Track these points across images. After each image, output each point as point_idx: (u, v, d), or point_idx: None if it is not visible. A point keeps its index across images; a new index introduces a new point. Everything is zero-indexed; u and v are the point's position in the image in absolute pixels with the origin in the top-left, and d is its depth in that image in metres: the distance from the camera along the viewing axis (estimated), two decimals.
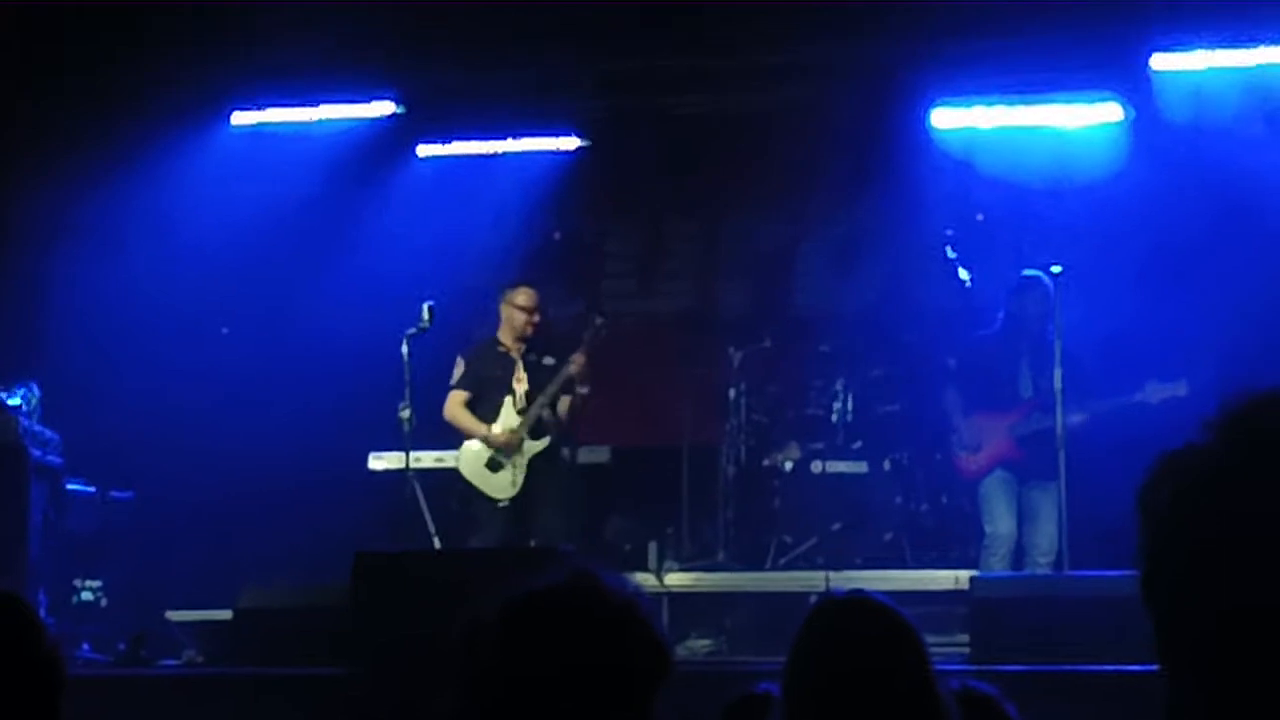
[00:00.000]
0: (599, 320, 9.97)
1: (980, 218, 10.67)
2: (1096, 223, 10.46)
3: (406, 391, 9.46)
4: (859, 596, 3.32)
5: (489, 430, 9.71)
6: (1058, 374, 8.84)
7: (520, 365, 9.82)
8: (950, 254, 10.29)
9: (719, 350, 10.94)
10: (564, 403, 9.83)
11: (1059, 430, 8.80)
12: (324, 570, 9.04)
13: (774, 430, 10.76)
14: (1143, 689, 6.08)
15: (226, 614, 8.69)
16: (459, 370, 9.92)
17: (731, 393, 10.73)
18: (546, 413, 9.77)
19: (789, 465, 10.49)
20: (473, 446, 9.77)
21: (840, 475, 10.39)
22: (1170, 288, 10.06)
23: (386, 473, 10.42)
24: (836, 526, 10.22)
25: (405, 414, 9.48)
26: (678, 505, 10.90)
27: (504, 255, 11.71)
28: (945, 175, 11.02)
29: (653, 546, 10.13)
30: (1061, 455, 8.74)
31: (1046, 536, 9.14)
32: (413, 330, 9.37)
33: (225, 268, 11.49)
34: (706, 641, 9.44)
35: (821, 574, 9.38)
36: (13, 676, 2.79)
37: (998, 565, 9.20)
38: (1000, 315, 9.59)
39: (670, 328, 12.10)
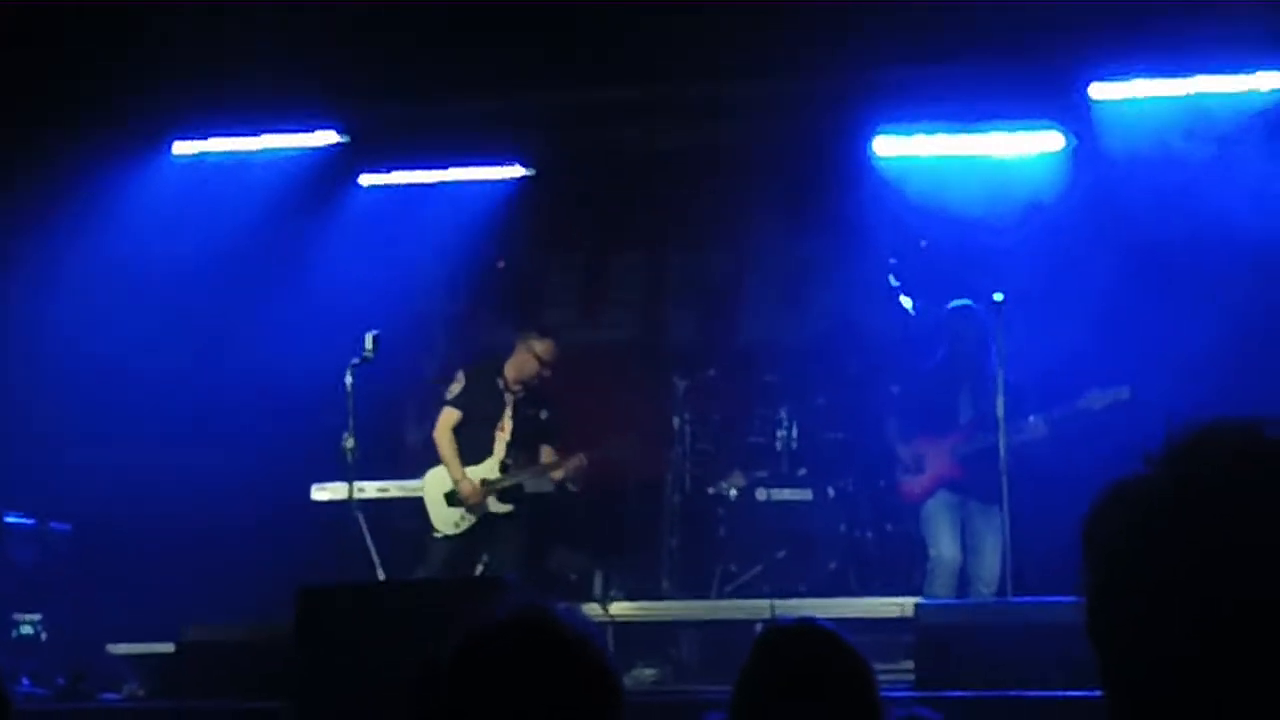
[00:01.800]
0: (619, 443, 10.09)
1: (923, 244, 10.71)
2: (1038, 249, 10.52)
3: (350, 421, 9.43)
4: (805, 624, 3.32)
5: (462, 477, 9.70)
6: (999, 401, 8.86)
7: (510, 410, 9.82)
8: (894, 282, 10.34)
9: (663, 380, 10.95)
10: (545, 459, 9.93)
11: (1001, 454, 8.81)
12: (266, 602, 8.97)
13: (719, 458, 10.76)
14: (1087, 715, 6.11)
15: (169, 647, 8.62)
16: (458, 386, 9.90)
17: (676, 421, 10.72)
18: (526, 477, 9.80)
19: (734, 493, 10.48)
20: (441, 472, 9.78)
21: (785, 503, 10.40)
22: (1113, 310, 10.13)
23: (330, 503, 10.37)
24: (781, 554, 10.22)
25: (349, 444, 9.45)
26: (622, 534, 10.90)
27: (448, 284, 11.70)
28: (888, 204, 11.07)
29: (598, 576, 10.12)
30: (1004, 480, 8.75)
31: (988, 568, 9.18)
32: (357, 360, 9.34)
33: (166, 297, 11.42)
34: (652, 671, 9.40)
35: (766, 602, 9.30)
36: None
37: (942, 590, 9.22)
38: (941, 349, 9.70)
39: (614, 358, 12.10)
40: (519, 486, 9.81)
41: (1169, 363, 9.36)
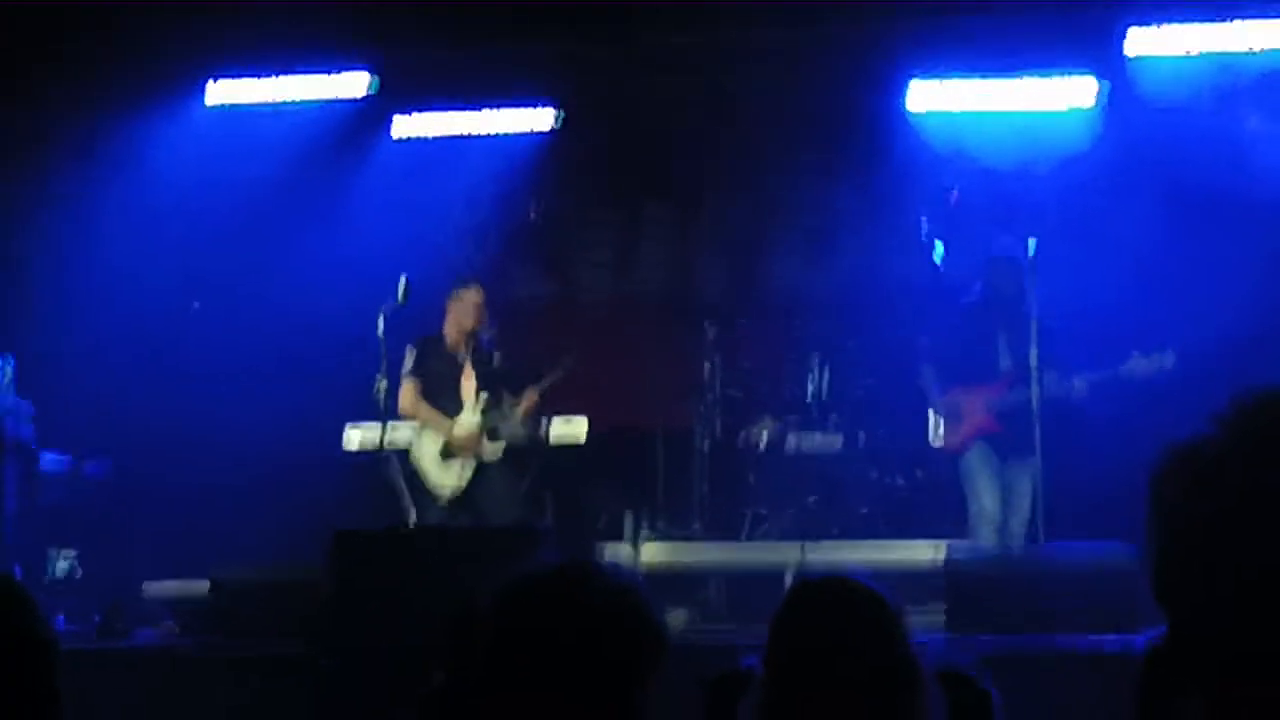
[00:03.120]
0: (568, 362, 9.91)
1: (954, 195, 10.67)
2: (1070, 201, 10.45)
3: (383, 365, 9.46)
4: (839, 574, 3.33)
5: (452, 427, 9.71)
6: (1033, 352, 8.80)
7: (469, 364, 9.81)
8: (924, 232, 10.31)
9: (694, 329, 10.95)
10: (528, 401, 9.85)
11: (1034, 404, 8.74)
12: (298, 544, 9.04)
13: (749, 406, 10.77)
14: (1115, 659, 6.13)
15: (204, 587, 8.68)
16: (411, 358, 9.85)
17: (706, 368, 10.73)
18: (504, 418, 9.75)
19: (764, 440, 10.50)
20: (426, 437, 9.74)
21: (815, 450, 10.41)
22: (1145, 265, 10.08)
23: (362, 448, 10.42)
24: (812, 500, 10.25)
25: (382, 387, 9.49)
26: (653, 480, 10.93)
27: (480, 233, 11.70)
28: (919, 155, 11.03)
29: (628, 518, 10.14)
30: (1038, 430, 8.69)
31: (1020, 516, 9.06)
32: (389, 305, 9.36)
33: (201, 243, 11.46)
34: (681, 613, 9.45)
35: (797, 545, 9.37)
36: (12, 655, 2.79)
37: (986, 537, 9.06)
38: (978, 287, 9.51)
39: (644, 307, 12.11)
40: (501, 426, 9.74)
41: (1206, 315, 9.24)
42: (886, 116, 11.10)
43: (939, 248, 10.25)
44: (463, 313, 9.82)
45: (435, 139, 11.89)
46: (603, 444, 10.60)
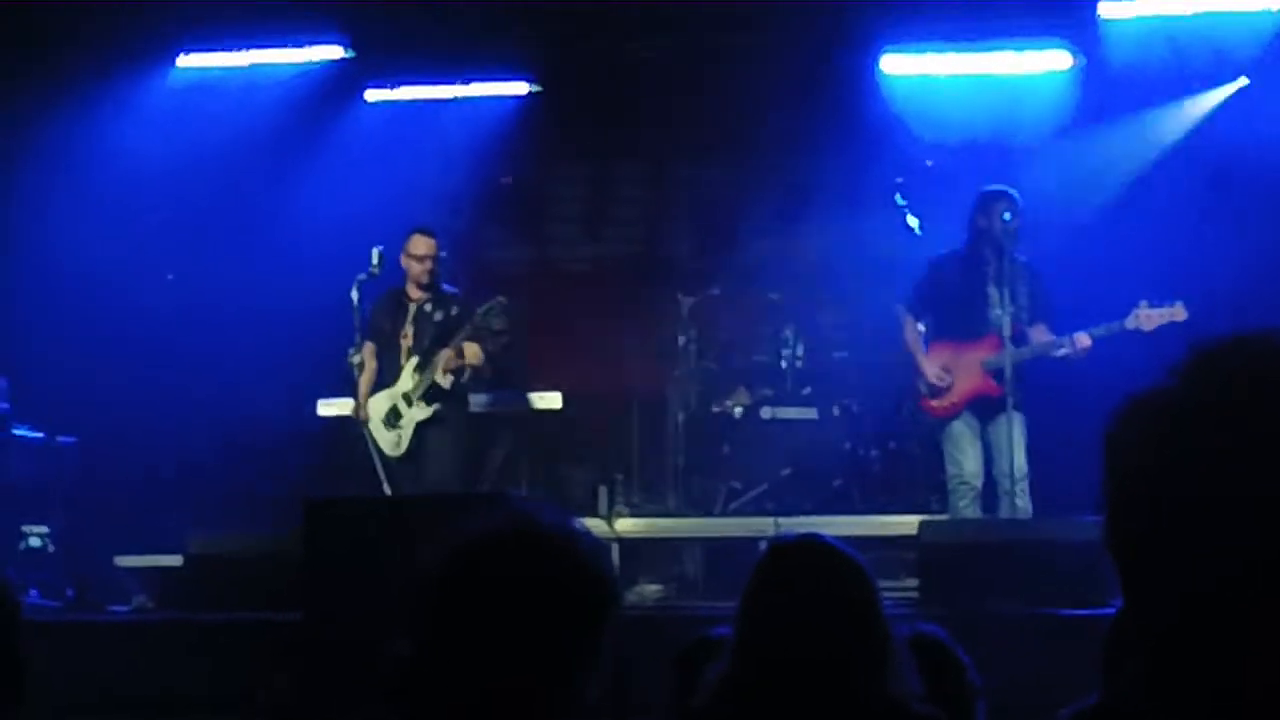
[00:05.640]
0: (499, 300, 9.50)
1: (929, 164, 10.66)
2: (1048, 169, 10.42)
3: (357, 336, 9.46)
4: (808, 539, 3.34)
5: (361, 399, 9.54)
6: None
7: (410, 318, 9.62)
8: (900, 201, 10.28)
9: (668, 297, 10.95)
10: (446, 356, 9.43)
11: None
12: (272, 516, 9.03)
13: (723, 377, 10.78)
14: (1089, 633, 6.15)
15: (176, 560, 8.68)
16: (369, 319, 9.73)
17: (681, 340, 10.74)
18: (441, 374, 9.42)
19: (738, 412, 10.51)
20: (378, 396, 9.62)
21: (789, 422, 10.42)
22: (1148, 218, 10.02)
23: (336, 419, 10.39)
24: (786, 472, 10.26)
25: (356, 359, 9.47)
26: (627, 452, 10.94)
27: (453, 200, 11.67)
28: (894, 122, 11.04)
29: (602, 491, 10.15)
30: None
31: (1014, 463, 8.45)
32: (363, 276, 9.34)
33: (171, 212, 11.43)
34: (656, 587, 9.47)
35: (770, 520, 9.35)
36: None
37: (966, 510, 8.71)
38: (965, 237, 8.95)
39: (618, 274, 12.10)
40: (437, 387, 9.51)
41: (1192, 281, 8.78)
42: (862, 82, 11.09)
43: (913, 219, 10.20)
44: (408, 264, 9.60)
45: (408, 102, 11.86)
46: (576, 413, 10.59)
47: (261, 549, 8.22)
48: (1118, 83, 10.57)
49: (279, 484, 10.05)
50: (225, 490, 10.36)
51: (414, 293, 9.62)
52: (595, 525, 9.55)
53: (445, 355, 9.37)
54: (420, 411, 9.45)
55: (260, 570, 7.94)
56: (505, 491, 9.76)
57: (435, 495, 9.13)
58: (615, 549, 9.23)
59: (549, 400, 10.53)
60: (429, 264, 9.56)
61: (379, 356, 9.63)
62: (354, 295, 9.33)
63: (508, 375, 10.65)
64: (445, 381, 9.42)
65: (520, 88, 11.85)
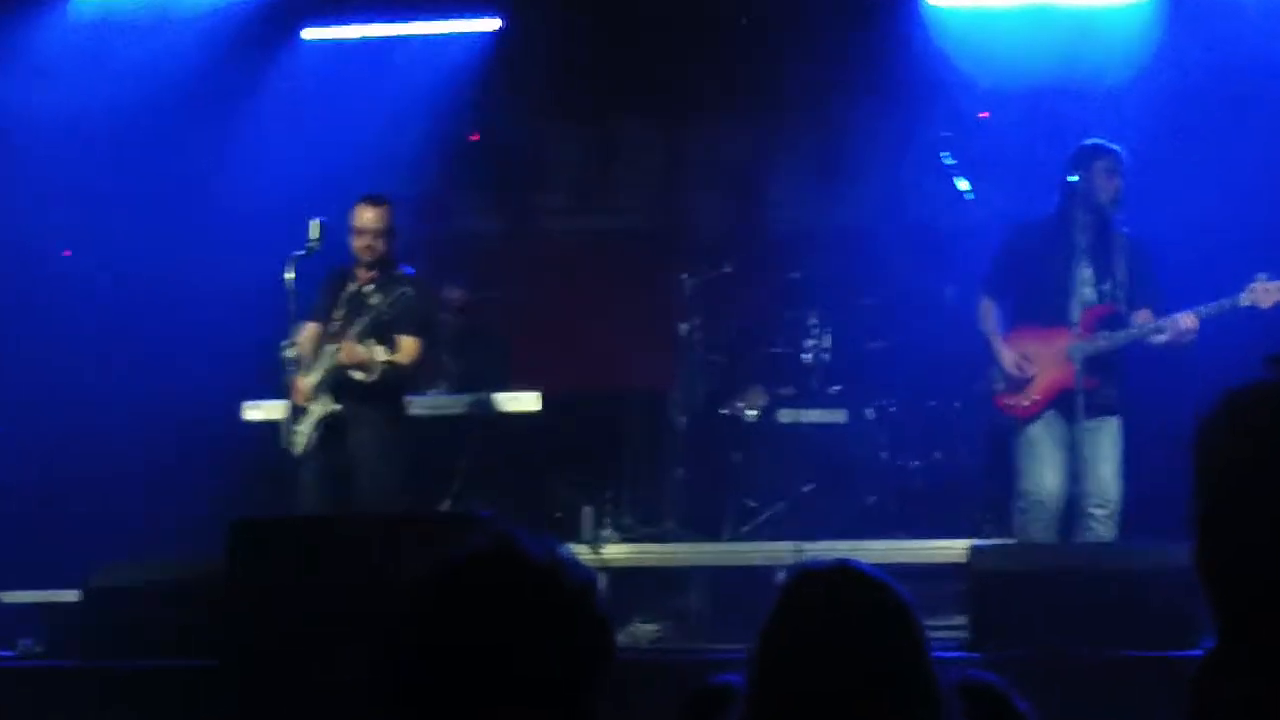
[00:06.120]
0: (404, 292, 9.33)
1: (984, 115, 10.66)
2: (1127, 120, 10.32)
3: (291, 326, 9.39)
4: (841, 566, 3.30)
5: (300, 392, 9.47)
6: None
7: (343, 299, 9.51)
8: (947, 160, 10.24)
9: (670, 277, 10.93)
10: (345, 347, 9.33)
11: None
12: (192, 540, 9.01)
13: (734, 373, 10.81)
14: (1170, 678, 6.12)
15: (74, 595, 8.65)
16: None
17: (683, 328, 10.73)
18: (343, 365, 9.34)
19: (752, 415, 10.53)
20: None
21: (814, 426, 10.44)
22: (1229, 189, 9.99)
23: (265, 424, 10.35)
24: (809, 488, 10.28)
25: (289, 353, 9.40)
26: (618, 463, 10.94)
27: (412, 162, 11.64)
28: (942, 65, 11.02)
29: (587, 513, 10.15)
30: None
31: (1104, 481, 8.44)
32: (299, 253, 9.29)
33: (69, 178, 11.40)
34: (652, 626, 9.47)
35: (791, 545, 9.33)
36: None
37: (1040, 534, 8.60)
38: (1054, 200, 8.79)
39: (617, 250, 12.12)
40: (349, 382, 9.34)
41: None
42: (903, 17, 11.09)
43: (963, 181, 10.14)
44: (351, 239, 9.51)
45: (354, 40, 11.82)
46: (558, 417, 10.57)
47: (178, 578, 8.19)
48: (1211, 14, 10.55)
49: (200, 502, 10.02)
50: (134, 511, 10.34)
51: (361, 273, 9.57)
52: (580, 552, 9.53)
53: (345, 346, 9.30)
54: (322, 408, 9.42)
55: (175, 605, 7.91)
56: (472, 513, 9.72)
57: (386, 515, 9.08)
58: (604, 581, 9.22)
59: (525, 401, 10.49)
60: (374, 239, 9.47)
61: (324, 342, 9.55)
62: (288, 276, 9.26)
63: (480, 372, 10.65)
64: (360, 376, 9.36)
65: (490, 25, 11.80)
